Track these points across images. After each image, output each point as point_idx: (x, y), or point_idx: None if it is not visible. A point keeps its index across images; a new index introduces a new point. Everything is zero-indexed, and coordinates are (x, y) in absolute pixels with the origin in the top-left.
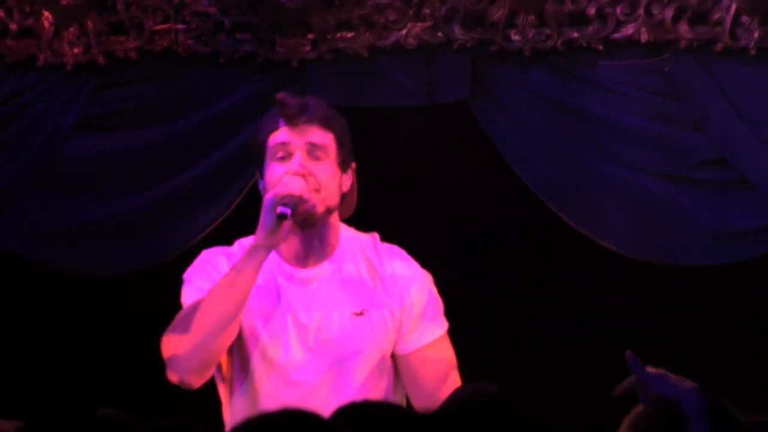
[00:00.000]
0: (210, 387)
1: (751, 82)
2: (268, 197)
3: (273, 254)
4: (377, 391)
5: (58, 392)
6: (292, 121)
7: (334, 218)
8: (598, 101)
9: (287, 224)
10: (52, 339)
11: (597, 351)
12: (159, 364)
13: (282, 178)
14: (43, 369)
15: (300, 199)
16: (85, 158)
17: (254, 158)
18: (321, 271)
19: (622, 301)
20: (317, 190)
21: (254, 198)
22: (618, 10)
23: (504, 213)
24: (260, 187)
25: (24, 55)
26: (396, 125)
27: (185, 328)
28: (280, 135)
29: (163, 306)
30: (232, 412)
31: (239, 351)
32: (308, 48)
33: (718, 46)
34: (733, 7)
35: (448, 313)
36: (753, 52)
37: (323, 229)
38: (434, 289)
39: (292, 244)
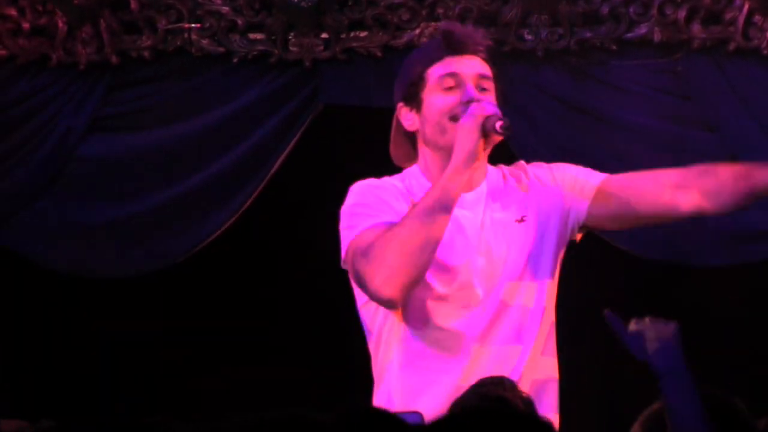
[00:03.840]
0: (212, 389)
1: (763, 81)
2: (467, 120)
3: (426, 182)
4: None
5: (77, 393)
6: (459, 51)
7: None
8: (611, 101)
9: (482, 149)
10: (66, 340)
11: (605, 352)
12: (174, 363)
13: (469, 105)
14: (58, 370)
15: (503, 119)
16: (98, 159)
17: (407, 90)
18: (482, 191)
19: (632, 301)
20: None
21: (267, 198)
22: (631, 10)
23: None
24: (406, 121)
25: (37, 55)
26: None
27: (389, 246)
28: (447, 65)
29: (176, 306)
30: (405, 348)
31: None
32: (321, 47)
33: (731, 46)
34: (746, 7)
35: None
36: (766, 51)
37: (483, 163)
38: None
39: None
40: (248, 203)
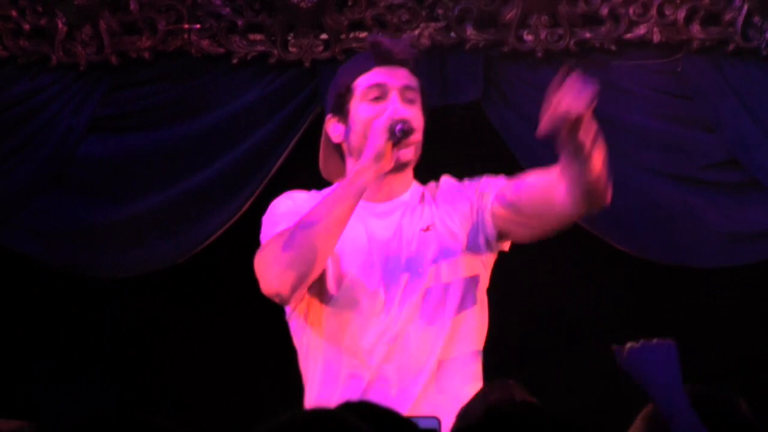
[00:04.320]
0: (211, 389)
1: (763, 82)
2: (380, 121)
3: None
4: (468, 308)
5: (77, 393)
6: (386, 62)
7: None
8: (610, 102)
9: (390, 153)
10: (67, 341)
11: (605, 353)
12: (173, 364)
13: (383, 114)
14: (57, 370)
15: (411, 126)
16: (99, 159)
17: (335, 102)
18: (398, 202)
19: (632, 301)
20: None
21: (267, 199)
22: (631, 10)
23: None
24: (333, 132)
25: (37, 55)
26: None
27: (287, 242)
28: (374, 76)
29: (177, 307)
30: (324, 359)
31: (325, 288)
32: (321, 48)
33: (730, 47)
34: (745, 7)
35: None
36: (765, 52)
37: (405, 173)
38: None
39: (378, 185)
40: (248, 204)
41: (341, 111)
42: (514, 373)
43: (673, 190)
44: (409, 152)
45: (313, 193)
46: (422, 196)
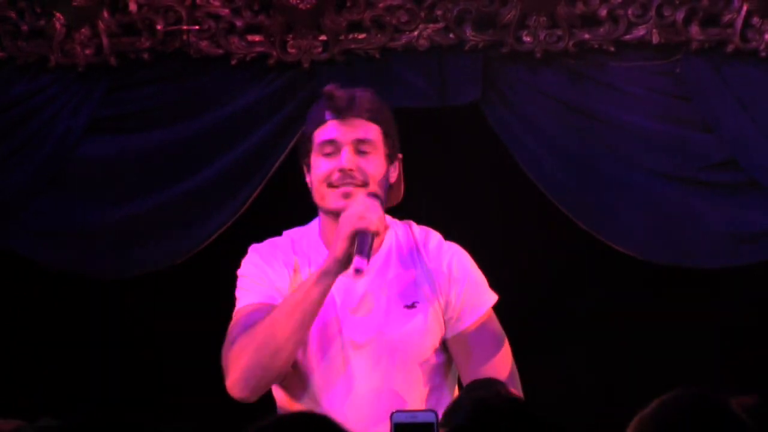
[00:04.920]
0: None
1: (761, 83)
2: (346, 227)
3: (323, 250)
4: (432, 383)
5: (76, 394)
6: (340, 115)
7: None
8: (609, 102)
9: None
10: (67, 341)
11: (605, 353)
12: (173, 363)
13: (356, 202)
14: (59, 371)
15: (375, 236)
16: (98, 160)
17: (300, 150)
18: (370, 265)
19: (632, 302)
20: (365, 184)
21: (266, 199)
22: (629, 11)
23: (514, 214)
24: (307, 179)
25: (35, 56)
26: (407, 126)
27: (245, 347)
28: (328, 130)
29: (177, 307)
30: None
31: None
32: (320, 49)
33: (729, 48)
34: (744, 8)
35: None
36: (764, 53)
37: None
38: (472, 270)
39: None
40: (247, 205)
41: (306, 159)
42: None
43: (671, 190)
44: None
45: (295, 234)
46: (399, 248)
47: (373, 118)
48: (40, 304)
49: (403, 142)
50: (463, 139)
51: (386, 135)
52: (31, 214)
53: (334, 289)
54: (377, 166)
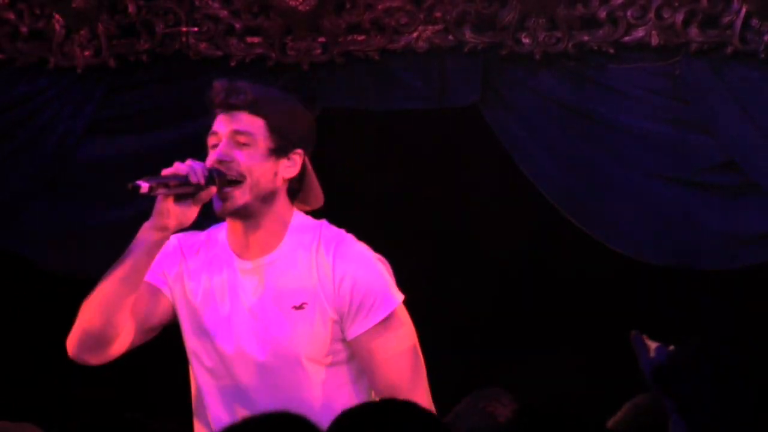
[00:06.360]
0: None
1: (760, 85)
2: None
3: (224, 245)
4: (333, 383)
5: (71, 396)
6: (221, 107)
7: (280, 207)
8: (609, 104)
9: (174, 208)
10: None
11: (603, 354)
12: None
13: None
14: (58, 370)
15: (179, 178)
16: (97, 161)
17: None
18: (263, 262)
19: (630, 304)
20: (240, 178)
21: None
22: (629, 13)
23: (514, 215)
24: None
25: (35, 58)
26: (406, 128)
27: (83, 306)
28: (215, 123)
29: None
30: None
31: (189, 342)
32: (319, 51)
33: (728, 50)
34: (743, 10)
35: (457, 314)
36: (763, 55)
37: (263, 219)
38: (370, 274)
39: (235, 234)
40: None
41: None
42: (514, 372)
43: (671, 192)
44: (234, 200)
45: (213, 231)
46: (303, 247)
47: (257, 111)
48: (40, 304)
49: (403, 143)
50: (461, 141)
51: (272, 128)
52: (30, 215)
53: (224, 288)
54: (257, 159)
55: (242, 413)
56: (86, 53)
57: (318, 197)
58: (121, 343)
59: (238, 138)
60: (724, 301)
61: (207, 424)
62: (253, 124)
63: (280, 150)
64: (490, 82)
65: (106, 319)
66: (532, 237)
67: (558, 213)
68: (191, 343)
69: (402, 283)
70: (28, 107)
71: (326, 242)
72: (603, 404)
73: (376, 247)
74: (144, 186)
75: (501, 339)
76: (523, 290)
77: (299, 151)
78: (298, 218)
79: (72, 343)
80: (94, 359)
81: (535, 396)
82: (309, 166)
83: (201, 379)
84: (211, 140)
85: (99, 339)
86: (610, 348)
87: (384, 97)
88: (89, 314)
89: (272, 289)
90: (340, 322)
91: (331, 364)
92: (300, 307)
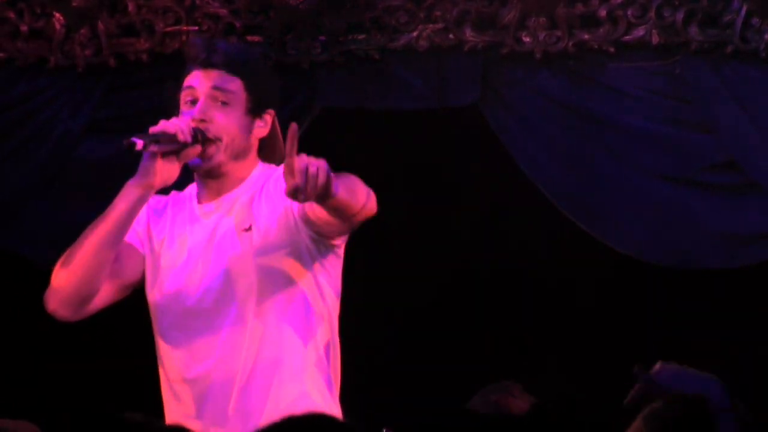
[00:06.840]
0: None
1: (761, 84)
2: (156, 128)
3: (191, 198)
4: (291, 317)
5: (71, 393)
6: (199, 63)
7: (249, 163)
8: (609, 103)
9: (161, 166)
10: (66, 342)
11: (603, 353)
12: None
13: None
14: (57, 370)
15: (167, 137)
16: (97, 161)
17: (174, 105)
18: (220, 203)
19: (630, 303)
20: (218, 137)
21: None
22: (629, 12)
23: (514, 214)
24: None
25: (35, 57)
26: (406, 127)
27: (62, 261)
28: (190, 79)
29: None
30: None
31: (151, 295)
32: (319, 50)
33: (729, 49)
34: (744, 9)
35: (457, 314)
36: (763, 54)
37: (233, 175)
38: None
39: (202, 187)
40: None
41: (176, 112)
42: (520, 370)
43: (671, 192)
44: (210, 159)
45: (185, 192)
46: (255, 193)
47: (234, 71)
48: (40, 304)
49: (403, 143)
50: (461, 140)
51: (249, 89)
52: (30, 215)
53: (185, 233)
54: (235, 118)
55: (198, 368)
56: (86, 52)
57: (277, 155)
58: (99, 300)
59: (218, 95)
60: (724, 301)
61: (165, 375)
62: (232, 83)
63: (255, 110)
64: (490, 82)
65: (88, 275)
66: (533, 236)
67: (558, 212)
68: (153, 295)
69: (402, 283)
70: (28, 106)
71: (278, 173)
72: (602, 405)
73: (376, 247)
74: (139, 143)
75: (501, 339)
76: (523, 290)
77: (271, 111)
78: (262, 168)
79: (51, 298)
80: (73, 315)
81: (535, 396)
82: (277, 126)
83: (161, 332)
84: (185, 95)
85: (79, 295)
86: (610, 348)
87: (384, 96)
88: (70, 270)
89: (224, 221)
90: (291, 208)
91: (292, 286)
92: (249, 229)
